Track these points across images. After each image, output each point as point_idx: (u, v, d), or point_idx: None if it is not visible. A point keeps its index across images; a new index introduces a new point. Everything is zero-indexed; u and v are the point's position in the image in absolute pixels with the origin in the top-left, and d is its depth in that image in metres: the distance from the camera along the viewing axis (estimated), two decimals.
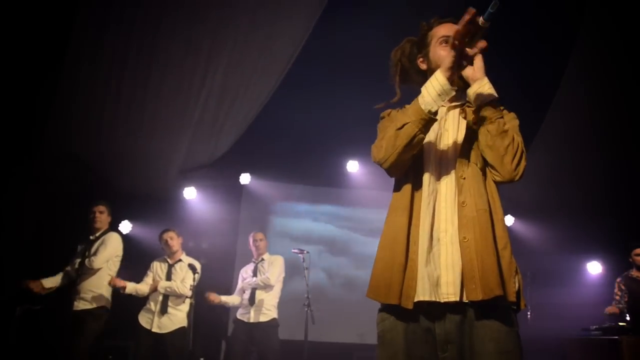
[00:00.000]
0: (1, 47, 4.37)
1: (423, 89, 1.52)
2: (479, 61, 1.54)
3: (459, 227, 1.49)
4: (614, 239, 6.06)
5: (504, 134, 1.51)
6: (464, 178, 1.54)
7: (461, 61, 1.50)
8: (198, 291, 4.48)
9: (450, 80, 1.49)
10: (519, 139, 1.55)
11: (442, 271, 1.47)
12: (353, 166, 6.90)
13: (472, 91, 1.55)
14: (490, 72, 1.55)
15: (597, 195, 6.33)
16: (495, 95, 1.52)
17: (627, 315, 4.80)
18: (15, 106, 4.88)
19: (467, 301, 1.44)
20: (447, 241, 1.50)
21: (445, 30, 1.67)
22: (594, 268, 6.89)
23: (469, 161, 1.56)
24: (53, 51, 4.61)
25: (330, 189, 7.18)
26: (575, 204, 6.39)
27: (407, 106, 1.59)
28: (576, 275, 6.86)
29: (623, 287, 5.00)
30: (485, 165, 1.57)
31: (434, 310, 1.48)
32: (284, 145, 6.44)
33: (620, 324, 4.39)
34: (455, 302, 1.45)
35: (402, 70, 1.76)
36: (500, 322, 1.43)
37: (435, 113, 1.51)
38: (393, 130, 1.54)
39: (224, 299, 4.80)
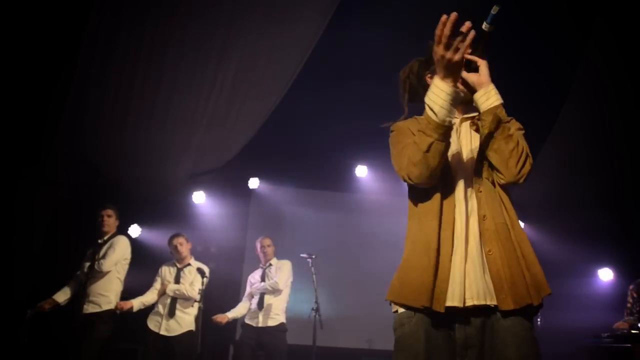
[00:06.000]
0: (13, 50, 4.42)
1: (432, 105, 1.50)
2: (484, 67, 1.59)
3: (483, 241, 1.54)
4: (625, 245, 5.99)
5: (508, 137, 1.55)
6: (481, 191, 1.59)
7: (450, 65, 1.45)
8: (206, 296, 4.47)
9: (454, 84, 1.48)
10: (523, 143, 1.58)
11: (467, 278, 1.51)
12: (362, 171, 6.89)
13: (477, 96, 1.59)
14: (502, 77, 1.55)
15: (605, 201, 6.26)
16: (501, 100, 1.57)
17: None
18: (26, 110, 4.92)
19: (491, 305, 1.48)
20: (472, 249, 1.54)
21: None
22: (605, 274, 6.81)
23: (483, 175, 1.61)
24: (65, 53, 4.64)
25: (338, 194, 7.16)
26: (584, 210, 6.32)
27: (420, 121, 1.58)
28: (587, 282, 6.78)
29: (635, 295, 4.93)
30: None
31: (458, 315, 1.50)
32: (293, 150, 6.44)
33: (633, 331, 4.33)
34: (478, 307, 1.48)
35: (410, 87, 1.80)
36: (521, 327, 1.47)
37: (452, 120, 1.52)
38: (420, 154, 1.52)
39: (231, 315, 4.77)
